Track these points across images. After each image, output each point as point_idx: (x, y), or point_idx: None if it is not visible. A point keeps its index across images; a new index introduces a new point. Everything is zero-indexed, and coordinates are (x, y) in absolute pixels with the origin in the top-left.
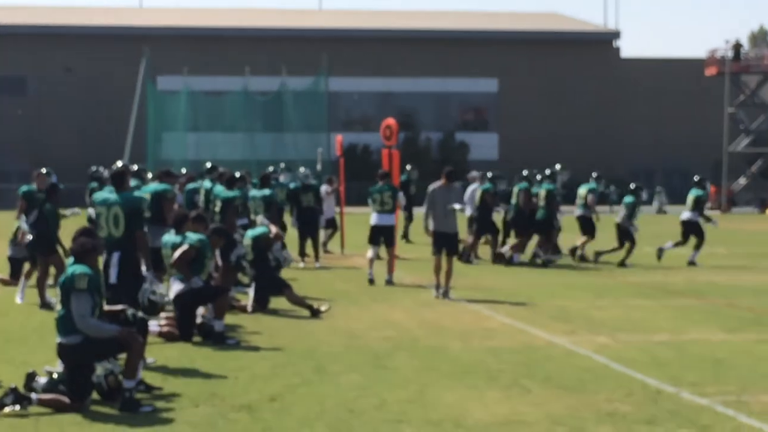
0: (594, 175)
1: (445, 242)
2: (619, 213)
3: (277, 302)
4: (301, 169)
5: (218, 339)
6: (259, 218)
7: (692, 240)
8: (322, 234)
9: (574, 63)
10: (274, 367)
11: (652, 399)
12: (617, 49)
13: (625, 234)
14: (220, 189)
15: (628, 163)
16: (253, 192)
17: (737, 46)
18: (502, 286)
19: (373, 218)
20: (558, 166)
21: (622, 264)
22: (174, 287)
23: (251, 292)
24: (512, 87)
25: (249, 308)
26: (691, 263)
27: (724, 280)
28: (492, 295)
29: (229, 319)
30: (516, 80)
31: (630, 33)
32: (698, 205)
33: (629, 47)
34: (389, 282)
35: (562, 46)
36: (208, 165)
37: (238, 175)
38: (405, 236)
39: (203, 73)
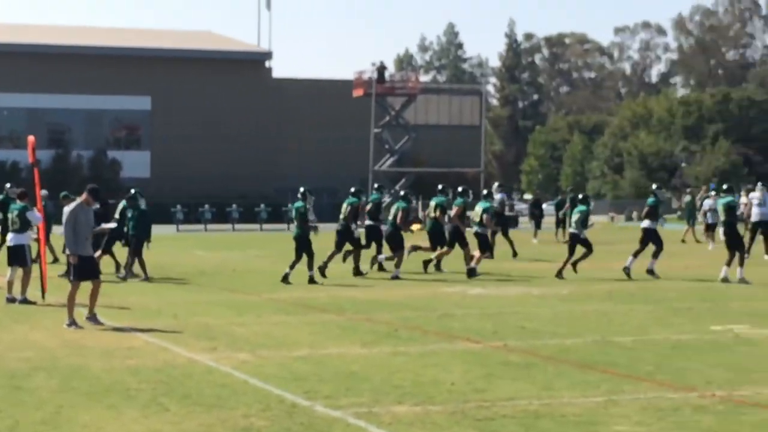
0: (485, 192)
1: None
2: (572, 222)
3: None
4: None
5: None
6: None
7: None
8: None
9: (227, 82)
10: None
11: (288, 413)
12: (270, 69)
13: (582, 242)
14: None
15: (280, 181)
16: None
17: (381, 69)
18: (146, 305)
19: (9, 238)
20: (495, 184)
21: (559, 274)
22: None
23: None
24: (165, 105)
25: None
26: (627, 270)
27: (364, 296)
28: (136, 314)
29: None
30: (169, 98)
31: (283, 53)
32: (583, 221)
33: (282, 67)
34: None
35: (215, 65)
36: None
37: None
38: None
39: None
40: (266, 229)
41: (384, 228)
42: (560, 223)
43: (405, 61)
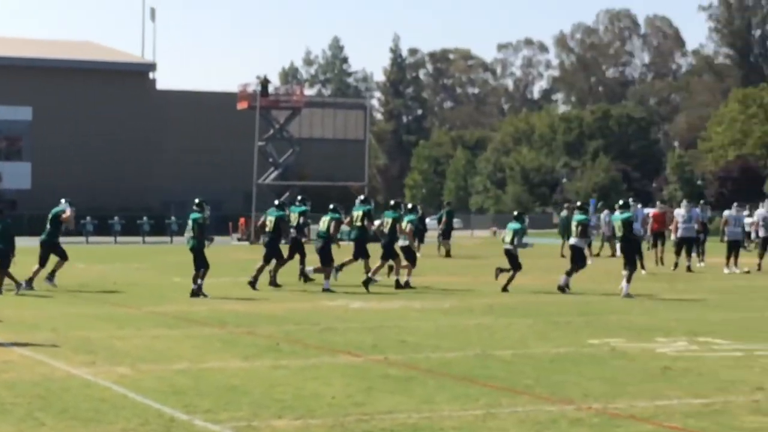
0: (410, 205)
1: None
2: (506, 239)
3: None
4: None
5: None
6: None
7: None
8: None
9: (110, 93)
10: None
11: (166, 427)
12: (153, 81)
13: (513, 258)
14: None
15: (165, 193)
16: None
17: (265, 82)
18: (23, 318)
19: None
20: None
21: (505, 289)
22: None
23: None
24: (47, 116)
25: None
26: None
27: (246, 309)
28: (12, 328)
29: None
30: (51, 109)
31: (167, 65)
32: (518, 235)
33: (166, 79)
34: None
35: (98, 76)
36: None
37: None
38: None
39: None
40: (149, 241)
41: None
42: (441, 236)
43: (290, 75)
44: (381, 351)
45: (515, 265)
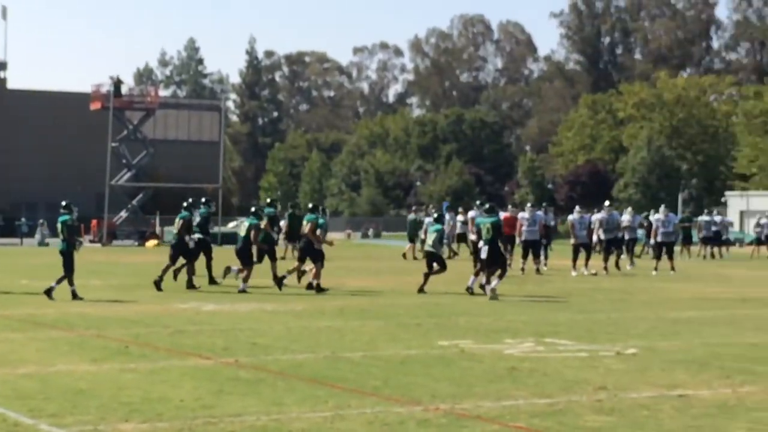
0: (310, 205)
1: None
2: (428, 240)
3: None
4: None
5: None
6: None
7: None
8: None
9: None
10: None
11: None
12: (4, 80)
13: (437, 259)
14: None
15: (16, 194)
16: None
17: (118, 83)
18: None
19: None
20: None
21: (421, 290)
22: None
23: None
24: None
25: None
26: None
27: (96, 312)
28: None
29: None
30: None
31: (19, 65)
32: (440, 240)
33: (18, 79)
34: None
35: None
36: None
37: None
38: None
39: None
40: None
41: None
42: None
43: (145, 75)
44: (232, 353)
45: (442, 265)
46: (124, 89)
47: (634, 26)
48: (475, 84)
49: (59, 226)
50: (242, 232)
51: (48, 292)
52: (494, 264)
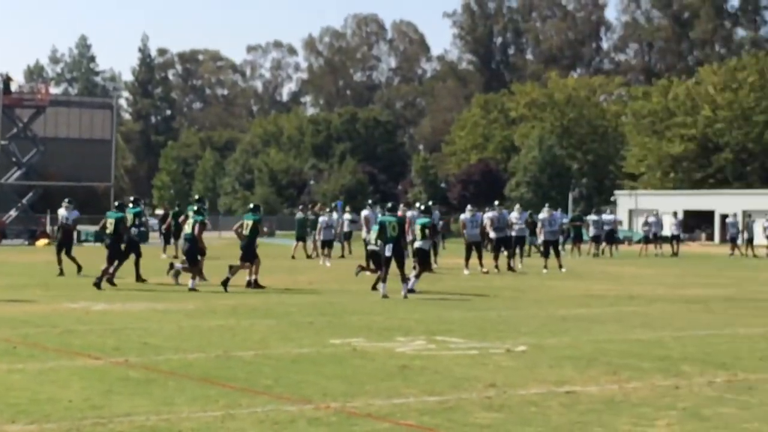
0: (195, 208)
1: None
2: (418, 236)
3: None
4: None
5: None
6: None
7: None
8: None
9: None
10: None
11: None
12: None
13: (425, 255)
14: None
15: None
16: None
17: (8, 80)
18: None
19: None
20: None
21: (409, 289)
22: None
23: None
24: None
25: None
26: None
27: None
28: None
29: None
30: None
31: None
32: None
33: None
34: None
35: None
36: None
37: None
38: None
39: None
40: None
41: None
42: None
43: (35, 73)
44: (122, 353)
45: (426, 264)
46: (13, 86)
47: (526, 27)
48: (368, 83)
49: None
50: (188, 229)
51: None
52: (423, 264)
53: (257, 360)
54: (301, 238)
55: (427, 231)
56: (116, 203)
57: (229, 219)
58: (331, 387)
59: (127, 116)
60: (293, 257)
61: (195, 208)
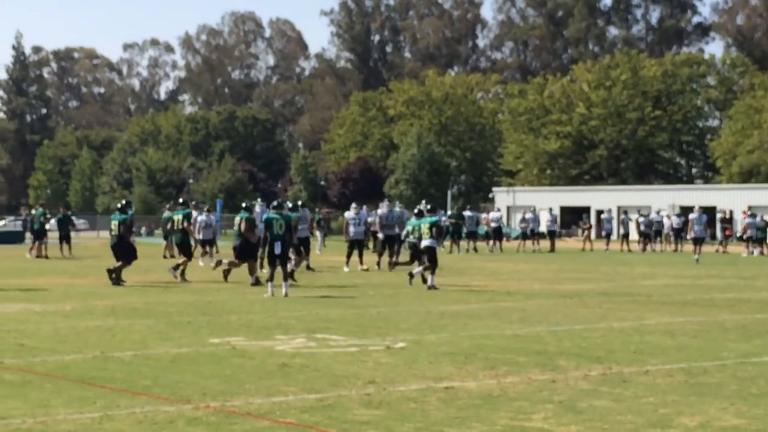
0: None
1: None
2: (424, 234)
3: None
4: None
5: None
6: None
7: None
8: None
9: None
10: None
11: None
12: None
13: (433, 253)
14: None
15: None
16: None
17: None
18: None
19: None
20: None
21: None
22: None
23: None
24: None
25: None
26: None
27: None
28: None
29: None
30: None
31: None
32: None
33: None
34: None
35: None
36: None
37: None
38: None
39: None
40: None
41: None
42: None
43: None
44: None
45: (435, 261)
46: None
47: (404, 25)
48: (247, 81)
49: None
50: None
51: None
52: (432, 261)
53: (136, 360)
54: (168, 236)
55: (434, 229)
56: (119, 206)
57: (106, 218)
58: (210, 386)
59: (1, 115)
60: (164, 257)
61: (207, 207)
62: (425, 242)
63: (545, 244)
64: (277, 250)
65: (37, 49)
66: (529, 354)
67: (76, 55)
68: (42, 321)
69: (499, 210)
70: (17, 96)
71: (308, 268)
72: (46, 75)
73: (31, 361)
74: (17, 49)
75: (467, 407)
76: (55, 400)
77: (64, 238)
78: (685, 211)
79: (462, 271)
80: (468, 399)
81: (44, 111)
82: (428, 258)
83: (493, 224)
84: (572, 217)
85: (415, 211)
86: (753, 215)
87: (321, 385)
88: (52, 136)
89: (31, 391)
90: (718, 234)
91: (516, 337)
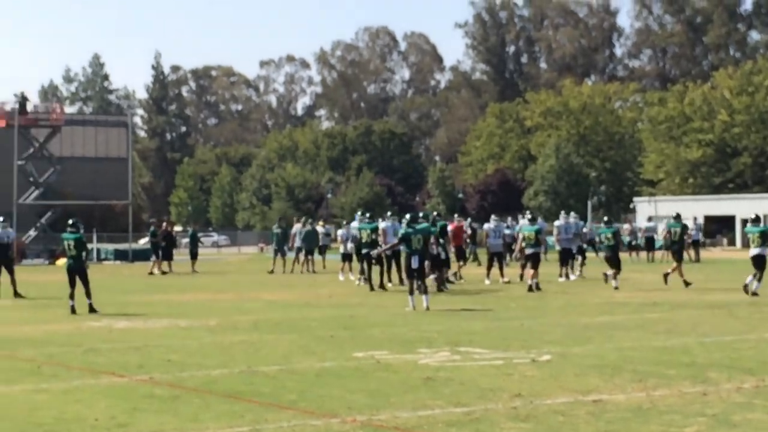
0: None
1: None
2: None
3: None
4: None
5: None
6: None
7: None
8: None
9: None
10: None
11: None
12: None
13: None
14: None
15: None
16: None
17: (23, 100)
18: None
19: None
20: None
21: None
22: None
23: None
24: None
25: None
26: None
27: (6, 332)
28: None
29: None
30: None
31: None
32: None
33: None
34: None
35: None
36: None
37: None
38: None
39: None
40: None
41: None
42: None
43: (50, 92)
44: (146, 371)
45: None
46: (29, 106)
47: (538, 35)
48: (382, 95)
49: None
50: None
51: None
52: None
53: (281, 375)
54: (279, 251)
55: (539, 237)
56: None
57: (247, 234)
58: (355, 400)
59: (142, 134)
60: (271, 272)
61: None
62: (529, 250)
63: (690, 253)
64: (415, 264)
65: (175, 69)
66: (678, 366)
67: (213, 73)
68: (188, 336)
69: (651, 219)
70: (157, 115)
71: (449, 280)
72: (185, 93)
73: (179, 376)
74: (156, 68)
75: (617, 420)
76: (205, 415)
77: (193, 254)
78: None
79: (603, 282)
80: (617, 412)
81: (184, 129)
82: (532, 264)
83: (647, 234)
84: (717, 227)
85: (528, 217)
86: None
87: (467, 399)
88: (192, 154)
89: (180, 406)
90: None
91: (664, 348)
